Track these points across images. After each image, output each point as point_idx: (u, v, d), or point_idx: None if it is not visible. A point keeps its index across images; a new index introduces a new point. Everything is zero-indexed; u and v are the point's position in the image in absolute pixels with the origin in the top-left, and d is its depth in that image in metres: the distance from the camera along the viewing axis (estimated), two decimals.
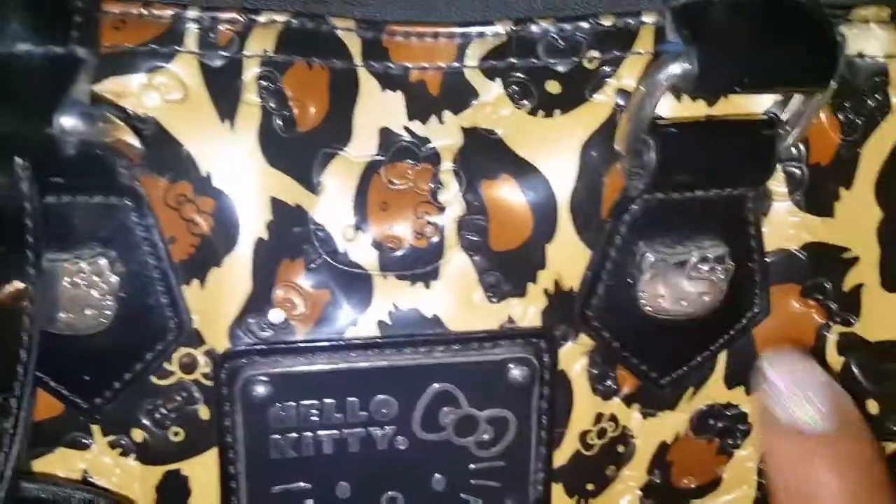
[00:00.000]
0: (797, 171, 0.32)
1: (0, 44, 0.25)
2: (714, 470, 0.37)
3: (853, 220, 0.32)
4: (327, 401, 0.31)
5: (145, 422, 0.32)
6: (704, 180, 0.30)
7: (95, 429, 0.32)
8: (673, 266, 0.31)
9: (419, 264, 0.32)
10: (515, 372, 0.32)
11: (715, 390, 0.35)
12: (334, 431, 0.32)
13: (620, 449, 0.36)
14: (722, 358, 0.35)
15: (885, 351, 0.34)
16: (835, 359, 0.34)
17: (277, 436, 0.32)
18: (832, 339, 0.34)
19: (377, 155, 0.31)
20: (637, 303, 0.32)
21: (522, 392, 0.33)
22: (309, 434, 0.32)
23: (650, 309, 0.32)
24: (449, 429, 0.33)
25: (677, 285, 0.31)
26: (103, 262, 0.29)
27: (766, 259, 0.33)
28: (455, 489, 0.34)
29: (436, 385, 0.32)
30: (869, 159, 0.32)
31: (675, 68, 0.27)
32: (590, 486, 0.36)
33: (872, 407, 0.34)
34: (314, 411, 0.31)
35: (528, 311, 0.33)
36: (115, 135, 0.26)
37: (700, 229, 0.31)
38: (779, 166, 0.31)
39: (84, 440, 0.32)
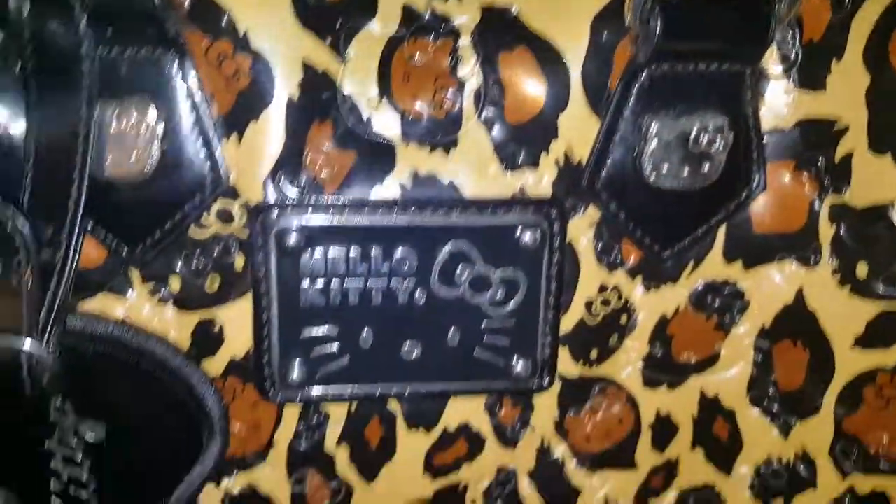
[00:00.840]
0: (791, 51, 0.34)
1: None
2: (713, 345, 0.39)
3: (843, 90, 0.34)
4: (353, 253, 0.34)
5: (183, 270, 0.35)
6: (706, 53, 0.32)
7: (135, 278, 0.35)
8: (676, 136, 0.33)
9: (438, 134, 0.34)
10: (527, 236, 0.35)
11: (714, 266, 0.38)
12: (359, 282, 0.35)
13: (623, 320, 0.38)
14: (721, 233, 0.37)
15: (873, 215, 0.36)
16: (826, 227, 0.36)
17: (307, 284, 0.34)
18: (824, 208, 0.36)
19: (400, 30, 0.33)
20: (642, 173, 0.34)
21: (533, 255, 0.35)
22: (336, 283, 0.34)
23: (654, 179, 0.34)
24: (464, 286, 0.35)
25: (680, 155, 0.34)
26: (150, 112, 0.31)
27: (762, 136, 0.35)
28: (469, 344, 0.36)
29: (453, 243, 0.35)
30: (858, 30, 0.34)
31: None
32: (593, 354, 0.39)
33: (861, 270, 0.36)
34: (341, 262, 0.34)
35: (540, 181, 0.35)
36: None
37: (702, 103, 0.34)
38: (774, 46, 0.33)
39: (124, 288, 0.35)
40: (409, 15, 0.33)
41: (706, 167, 0.34)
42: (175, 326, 0.35)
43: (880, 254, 0.36)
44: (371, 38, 0.33)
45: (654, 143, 0.33)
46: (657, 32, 0.31)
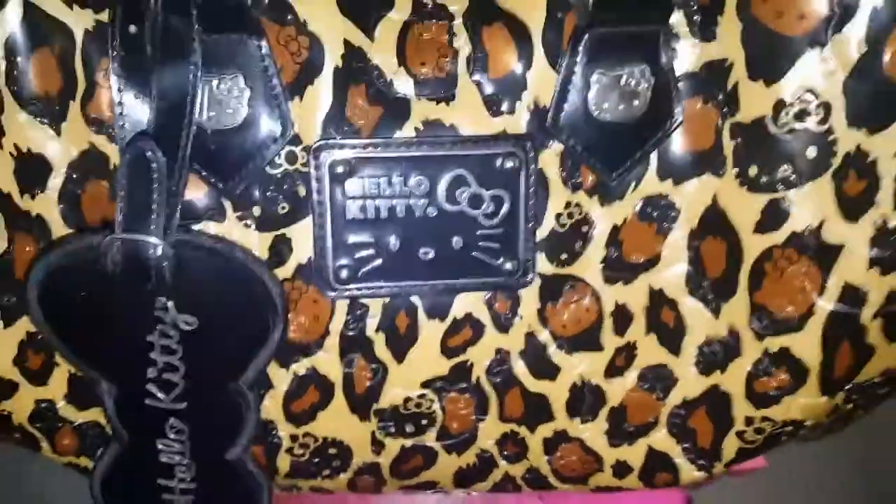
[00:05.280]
0: (693, 12, 0.47)
1: None
2: (655, 247, 0.50)
3: (727, 36, 0.46)
4: (382, 179, 0.47)
5: (261, 200, 0.47)
6: (627, 18, 0.46)
7: (228, 207, 0.47)
8: (612, 80, 0.47)
9: (441, 90, 0.47)
10: (508, 163, 0.48)
11: (651, 184, 0.49)
12: (387, 201, 0.47)
13: (584, 229, 0.50)
14: (654, 157, 0.49)
15: (755, 126, 0.47)
16: (728, 142, 0.48)
17: (350, 203, 0.47)
18: (726, 129, 0.48)
19: (411, 16, 0.47)
20: (590, 111, 0.47)
21: (514, 178, 0.47)
22: (371, 202, 0.47)
23: (599, 114, 0.47)
24: (464, 203, 0.48)
25: (617, 94, 0.47)
26: (239, 81, 0.45)
27: (678, 79, 0.48)
28: (468, 248, 0.48)
29: (454, 170, 0.47)
30: None
31: None
32: (564, 256, 0.50)
33: (752, 170, 0.47)
34: (374, 186, 0.47)
35: (517, 123, 0.47)
36: None
37: (631, 56, 0.45)
38: (680, 11, 0.47)
39: (220, 216, 0.48)
40: (417, 5, 0.46)
41: (636, 102, 0.47)
42: (258, 244, 0.47)
43: (763, 154, 0.47)
44: (392, 22, 0.46)
45: (597, 87, 0.46)
46: (590, 6, 0.45)
